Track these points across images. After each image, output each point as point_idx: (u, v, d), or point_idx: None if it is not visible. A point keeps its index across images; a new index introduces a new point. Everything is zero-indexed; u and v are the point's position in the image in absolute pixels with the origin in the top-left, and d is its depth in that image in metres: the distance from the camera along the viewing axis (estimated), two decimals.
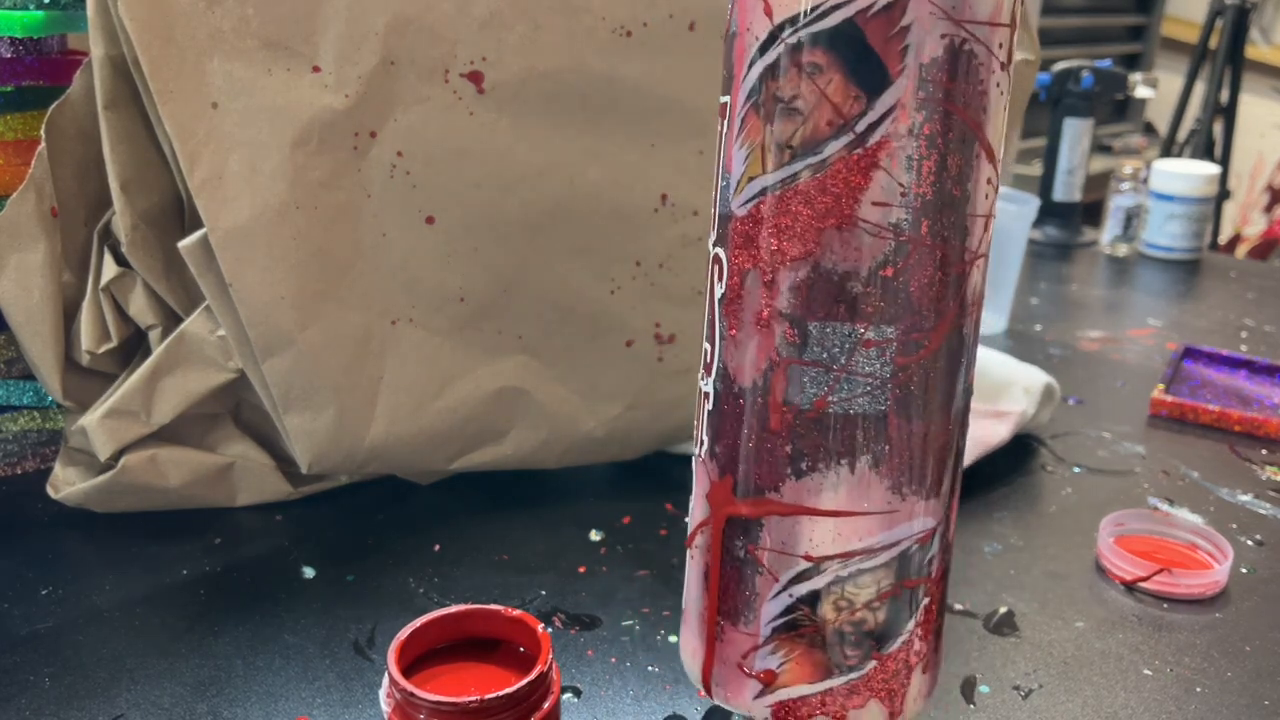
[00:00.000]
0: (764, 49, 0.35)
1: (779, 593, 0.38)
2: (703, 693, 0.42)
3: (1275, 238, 2.51)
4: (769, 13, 0.35)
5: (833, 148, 0.35)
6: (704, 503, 0.40)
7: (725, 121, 0.37)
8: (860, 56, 0.34)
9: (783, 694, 0.39)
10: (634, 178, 0.60)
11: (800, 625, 0.38)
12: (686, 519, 0.41)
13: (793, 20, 0.34)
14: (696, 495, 0.41)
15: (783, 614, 0.38)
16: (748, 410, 0.37)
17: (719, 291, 0.38)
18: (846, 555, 0.37)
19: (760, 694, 0.39)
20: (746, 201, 0.36)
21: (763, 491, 0.37)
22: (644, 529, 0.61)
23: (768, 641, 0.39)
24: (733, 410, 0.38)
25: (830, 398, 0.36)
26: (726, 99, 0.37)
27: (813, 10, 0.34)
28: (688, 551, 0.42)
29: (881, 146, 0.34)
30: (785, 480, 0.37)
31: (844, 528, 0.37)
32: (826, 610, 0.38)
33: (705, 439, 0.40)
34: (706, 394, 0.39)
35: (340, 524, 0.61)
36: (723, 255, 0.38)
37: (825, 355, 0.36)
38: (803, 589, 0.38)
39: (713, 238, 0.39)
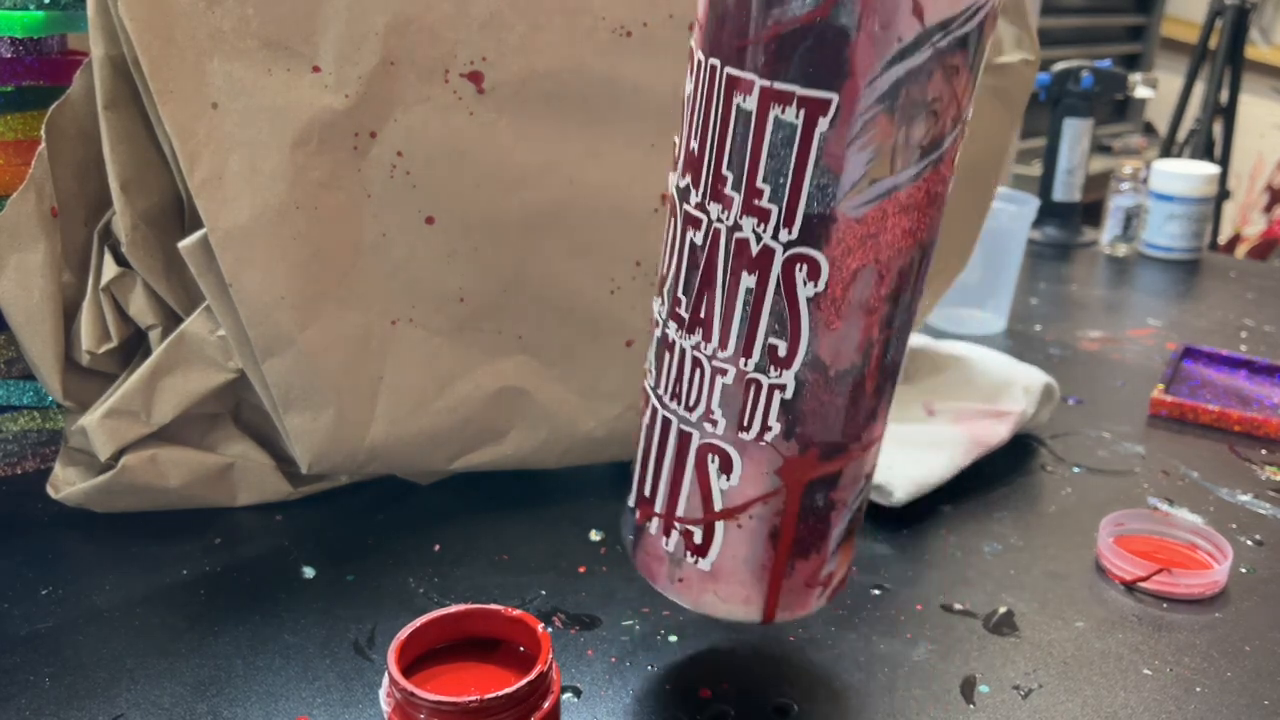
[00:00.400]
0: (907, 53, 0.34)
1: (847, 515, 0.43)
2: (763, 622, 0.44)
3: (1275, 238, 2.51)
4: (920, 15, 0.33)
5: (949, 140, 0.36)
6: (772, 478, 0.41)
7: (830, 121, 0.35)
8: (978, 53, 0.36)
9: (834, 582, 0.45)
10: (634, 178, 0.60)
11: (852, 527, 0.44)
12: (719, 501, 0.42)
13: (944, 24, 0.34)
14: (751, 474, 0.41)
15: (845, 526, 0.44)
16: (842, 386, 0.39)
17: (810, 291, 0.37)
18: (874, 461, 0.44)
19: (821, 594, 0.45)
20: (867, 203, 0.36)
21: (846, 446, 0.41)
22: None
23: (832, 556, 0.44)
24: (826, 391, 0.39)
25: (898, 353, 0.41)
26: (829, 94, 0.35)
27: (966, 12, 0.34)
28: (724, 524, 0.42)
29: (967, 128, 0.38)
30: (865, 429, 0.41)
31: (881, 443, 0.44)
32: (864, 505, 0.45)
33: (775, 425, 0.40)
34: (780, 385, 0.39)
35: (340, 524, 0.61)
36: (817, 256, 0.37)
37: (905, 319, 0.40)
38: (859, 500, 0.44)
39: (789, 237, 0.37)
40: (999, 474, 0.69)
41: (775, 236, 0.37)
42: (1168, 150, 2.49)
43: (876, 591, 0.56)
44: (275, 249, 0.54)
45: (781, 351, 0.39)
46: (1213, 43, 2.39)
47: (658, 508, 0.44)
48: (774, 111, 0.35)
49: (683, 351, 0.40)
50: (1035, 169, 1.46)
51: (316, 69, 0.53)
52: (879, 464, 0.63)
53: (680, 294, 0.40)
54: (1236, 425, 0.77)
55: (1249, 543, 0.62)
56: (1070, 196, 1.27)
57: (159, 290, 0.58)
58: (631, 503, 0.45)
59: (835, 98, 0.35)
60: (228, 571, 0.56)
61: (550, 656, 0.41)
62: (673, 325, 0.41)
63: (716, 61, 0.36)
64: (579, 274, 0.60)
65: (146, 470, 0.59)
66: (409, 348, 0.58)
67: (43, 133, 0.55)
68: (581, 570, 0.57)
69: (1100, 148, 2.79)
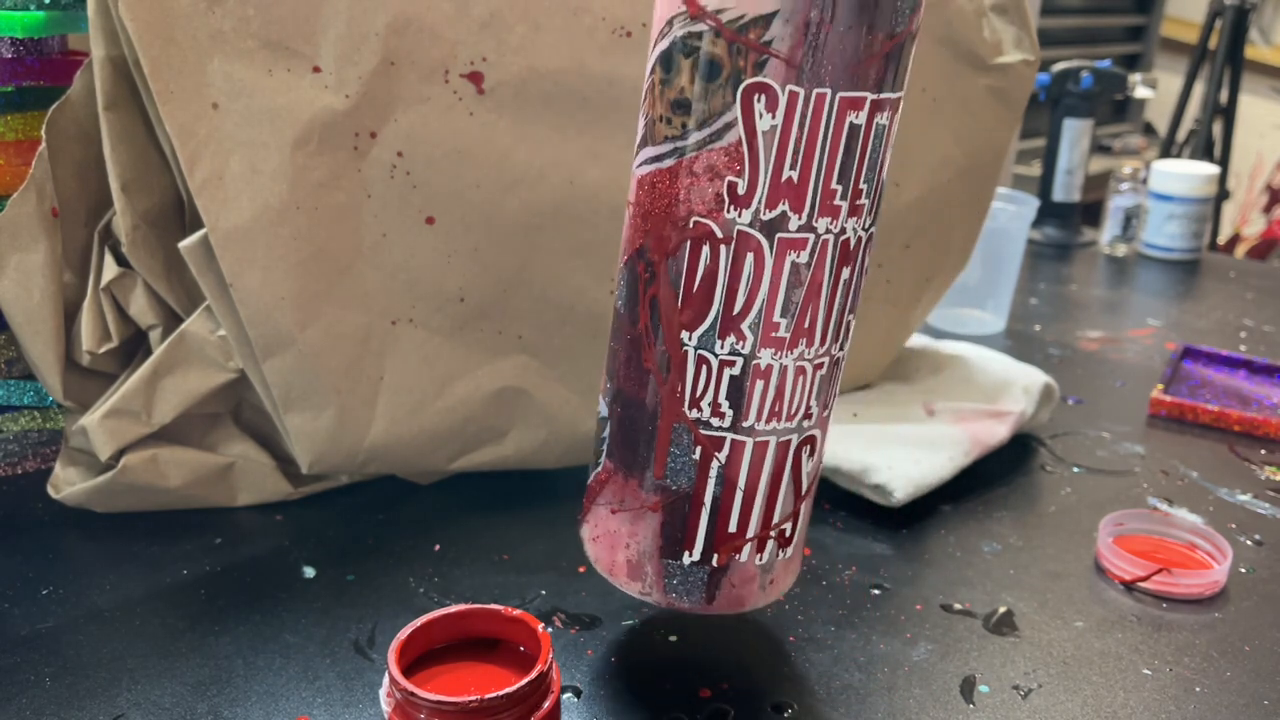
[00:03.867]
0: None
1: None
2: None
3: (1274, 238, 2.51)
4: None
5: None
6: (823, 437, 0.45)
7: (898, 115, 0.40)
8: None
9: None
10: None
11: None
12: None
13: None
14: (822, 445, 0.45)
15: None
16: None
17: (868, 262, 0.43)
18: None
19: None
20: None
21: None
22: None
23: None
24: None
25: None
26: (901, 92, 0.40)
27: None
28: (807, 503, 0.46)
29: None
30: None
31: None
32: None
33: (837, 391, 0.45)
34: (844, 354, 0.44)
35: (340, 524, 0.61)
36: (876, 231, 0.43)
37: None
38: None
39: (870, 223, 0.41)
40: (999, 474, 0.69)
41: (866, 227, 0.41)
42: (1167, 150, 2.49)
43: (876, 591, 0.56)
44: (275, 249, 0.54)
45: (851, 325, 0.43)
46: (1212, 43, 2.39)
47: (751, 533, 0.44)
48: (877, 119, 0.39)
49: (783, 370, 0.41)
50: (1035, 169, 1.46)
51: (317, 69, 0.53)
52: (879, 464, 0.63)
53: (778, 318, 0.40)
54: (1236, 425, 0.77)
55: (1248, 542, 0.62)
56: (1070, 196, 1.27)
57: (159, 290, 0.58)
58: (699, 556, 0.44)
59: (902, 94, 0.40)
60: (228, 571, 0.56)
61: (550, 656, 0.41)
62: (767, 352, 0.41)
63: (824, 90, 0.38)
64: (579, 274, 0.60)
65: (147, 470, 0.59)
66: (409, 348, 0.58)
67: (43, 133, 0.55)
68: (581, 570, 0.57)
69: (1100, 148, 2.79)
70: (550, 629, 0.52)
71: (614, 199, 0.60)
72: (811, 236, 0.39)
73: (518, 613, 0.44)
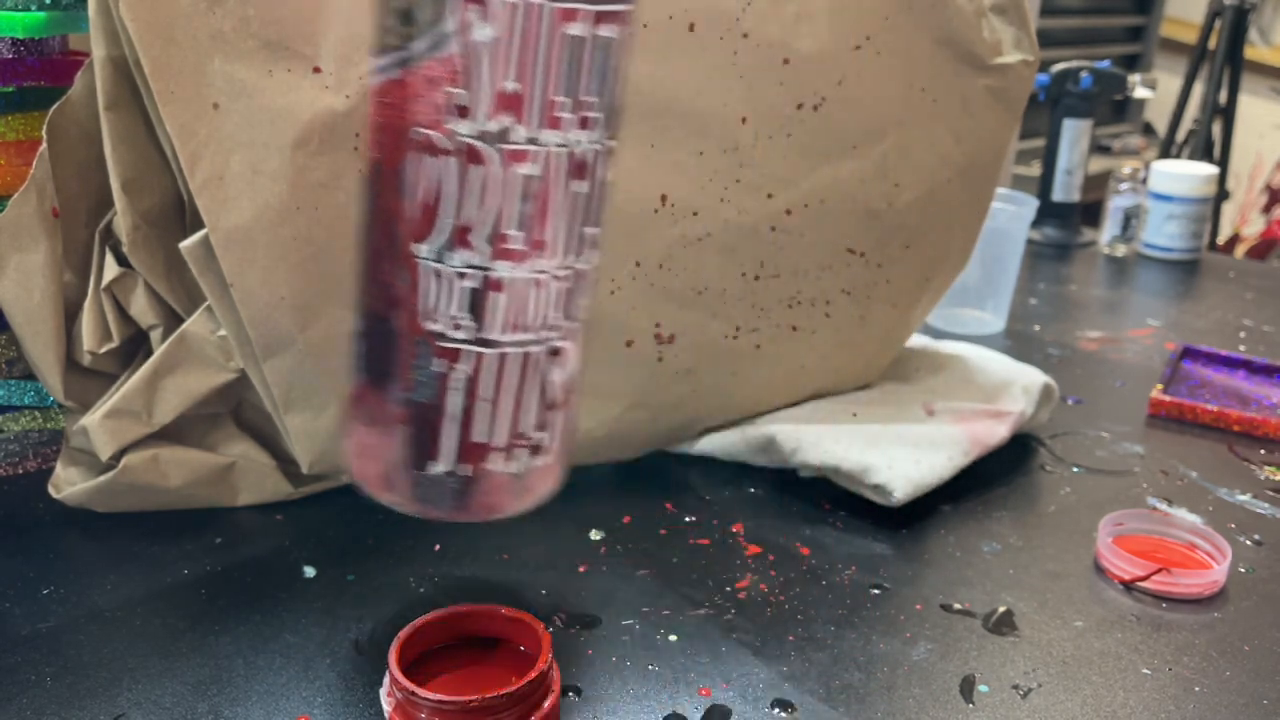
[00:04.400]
0: None
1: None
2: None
3: (1274, 238, 2.51)
4: None
5: None
6: (577, 346, 0.46)
7: (629, 28, 0.41)
8: None
9: None
10: (634, 178, 0.60)
11: None
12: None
13: None
14: (574, 353, 0.45)
15: None
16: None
17: (606, 174, 0.43)
18: None
19: None
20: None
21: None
22: (644, 529, 0.61)
23: None
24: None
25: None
26: (629, 4, 0.40)
27: None
28: (560, 411, 0.46)
29: None
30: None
31: None
32: None
33: (586, 300, 0.45)
34: (589, 265, 0.44)
35: (340, 524, 0.61)
36: (612, 143, 0.43)
37: None
38: None
39: (606, 137, 0.42)
40: (998, 474, 0.69)
41: (599, 141, 0.41)
42: (1167, 150, 2.49)
43: (876, 591, 0.56)
44: (276, 249, 0.54)
45: (592, 236, 0.44)
46: (1212, 43, 2.39)
47: (499, 442, 0.44)
48: (600, 31, 0.39)
49: (521, 282, 0.41)
50: (1034, 169, 1.46)
51: (317, 70, 0.53)
52: (879, 464, 0.63)
53: (510, 230, 0.41)
54: (1235, 425, 0.77)
55: (1248, 542, 0.62)
56: (1069, 197, 1.27)
57: (160, 290, 0.58)
58: (448, 466, 0.44)
59: (630, 7, 0.40)
60: (228, 571, 0.56)
61: (550, 656, 0.42)
62: (503, 264, 0.41)
63: (538, 1, 0.38)
64: None
65: (148, 470, 0.59)
66: None
67: (44, 133, 0.55)
68: (581, 570, 0.57)
69: (1099, 148, 2.79)
70: (550, 629, 0.52)
71: (614, 199, 0.60)
72: (537, 149, 0.40)
73: (518, 613, 0.44)
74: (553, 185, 0.41)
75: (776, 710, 0.47)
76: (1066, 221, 1.28)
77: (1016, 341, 0.95)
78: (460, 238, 0.40)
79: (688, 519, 0.63)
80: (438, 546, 0.59)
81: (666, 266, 0.62)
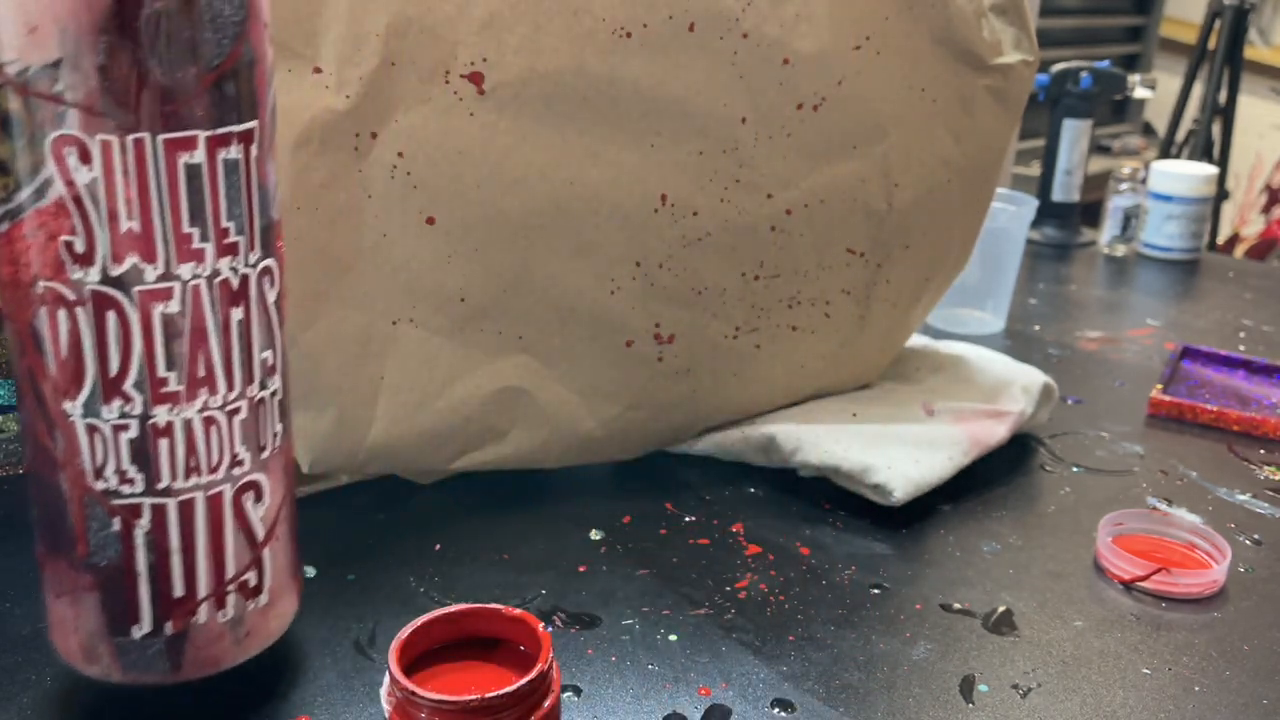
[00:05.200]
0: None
1: None
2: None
3: (1273, 238, 2.51)
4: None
5: None
6: (283, 474, 0.45)
7: (258, 144, 0.40)
8: None
9: None
10: (634, 178, 0.60)
11: None
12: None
13: None
14: (274, 484, 0.44)
15: None
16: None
17: (274, 295, 0.42)
18: None
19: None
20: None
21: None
22: (644, 529, 0.61)
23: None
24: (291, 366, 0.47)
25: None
26: (253, 122, 0.39)
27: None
28: (269, 549, 0.44)
29: None
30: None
31: None
32: None
33: (280, 426, 0.44)
34: (276, 389, 0.43)
35: (340, 524, 0.61)
36: (271, 263, 0.42)
37: None
38: None
39: (256, 258, 0.41)
40: (998, 474, 0.69)
41: (248, 263, 0.40)
42: (1166, 151, 2.49)
43: (876, 591, 0.56)
44: None
45: (271, 360, 0.43)
46: (1211, 43, 2.39)
47: (203, 593, 0.42)
48: (222, 155, 0.38)
49: (188, 423, 0.40)
50: (1034, 169, 1.46)
51: (317, 70, 0.53)
52: (879, 463, 0.63)
53: (164, 373, 0.39)
54: (1235, 425, 0.77)
55: (1247, 542, 0.62)
56: (1069, 197, 1.27)
57: None
58: (150, 628, 0.42)
59: (257, 123, 0.39)
60: None
61: (550, 656, 0.42)
62: (162, 409, 0.39)
63: (142, 135, 0.36)
64: (579, 274, 0.61)
65: None
66: (409, 348, 0.59)
67: None
68: (581, 570, 0.57)
69: (1099, 148, 2.79)
70: (550, 629, 0.52)
71: (614, 199, 0.60)
72: (177, 285, 0.38)
73: (518, 612, 0.44)
74: (205, 318, 0.39)
75: (776, 710, 0.47)
76: (1066, 221, 1.28)
77: (1016, 341, 0.95)
78: (111, 389, 0.39)
79: (688, 519, 0.63)
80: (438, 546, 0.59)
81: (666, 266, 0.62)
